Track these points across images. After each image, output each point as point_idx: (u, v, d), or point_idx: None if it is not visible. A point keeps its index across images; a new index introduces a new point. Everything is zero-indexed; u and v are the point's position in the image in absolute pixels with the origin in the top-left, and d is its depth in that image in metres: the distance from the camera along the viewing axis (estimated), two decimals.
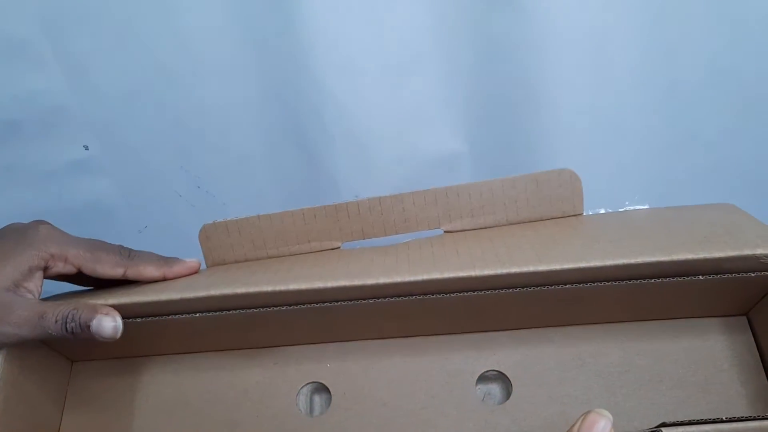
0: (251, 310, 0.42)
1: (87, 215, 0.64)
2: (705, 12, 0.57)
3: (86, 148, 0.61)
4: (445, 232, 0.49)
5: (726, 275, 0.41)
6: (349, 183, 0.62)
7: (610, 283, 0.41)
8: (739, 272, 0.40)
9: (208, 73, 0.58)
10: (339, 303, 0.42)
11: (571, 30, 0.56)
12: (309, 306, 0.42)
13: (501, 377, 0.45)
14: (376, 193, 0.48)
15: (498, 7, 0.56)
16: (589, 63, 0.58)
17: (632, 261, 0.40)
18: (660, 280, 0.41)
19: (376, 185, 0.62)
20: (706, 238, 0.41)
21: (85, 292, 0.47)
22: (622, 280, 0.41)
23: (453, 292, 0.42)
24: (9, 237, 0.43)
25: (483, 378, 0.45)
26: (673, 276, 0.41)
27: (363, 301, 0.42)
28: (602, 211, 0.50)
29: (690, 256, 0.40)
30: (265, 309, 0.42)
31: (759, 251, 0.39)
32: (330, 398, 0.46)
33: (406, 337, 0.47)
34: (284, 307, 0.42)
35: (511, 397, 0.44)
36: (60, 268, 0.43)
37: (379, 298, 0.42)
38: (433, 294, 0.42)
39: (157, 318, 0.43)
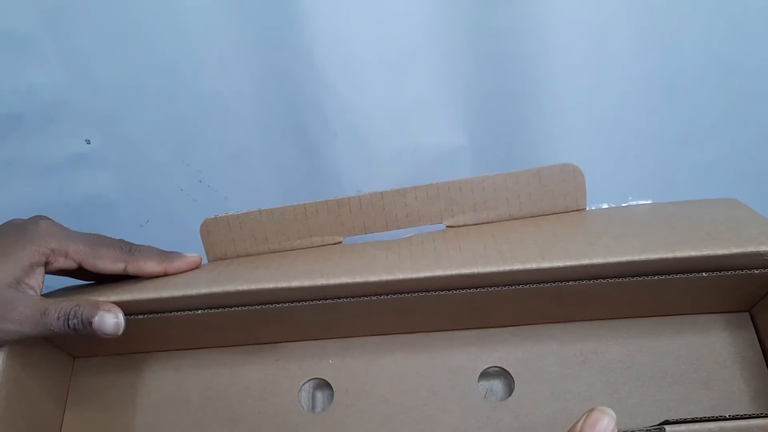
0: (253, 307, 0.42)
1: (88, 209, 0.64)
2: (706, 6, 0.56)
3: (88, 142, 0.61)
4: (447, 227, 0.49)
5: (729, 272, 0.40)
6: (350, 177, 0.62)
7: (612, 280, 0.41)
8: (742, 269, 0.40)
9: (209, 68, 0.58)
10: (341, 300, 0.42)
11: (572, 24, 0.56)
12: (311, 303, 0.42)
13: (503, 373, 0.45)
14: (378, 186, 0.47)
15: (499, 1, 0.55)
16: (590, 57, 0.58)
17: (635, 258, 0.39)
18: (663, 277, 0.40)
19: (377, 179, 0.62)
20: (709, 235, 0.41)
21: (86, 287, 0.47)
22: (625, 277, 0.41)
23: (455, 289, 0.41)
24: (9, 233, 0.43)
25: (485, 374, 0.45)
26: (676, 273, 0.40)
27: (365, 298, 0.42)
28: (605, 206, 0.49)
29: (693, 253, 0.39)
30: (267, 306, 0.42)
31: (763, 248, 0.39)
32: (332, 394, 0.46)
33: (408, 333, 0.46)
34: (286, 304, 0.42)
35: (513, 393, 0.44)
36: (61, 263, 0.43)
37: (381, 294, 0.42)
38: (435, 291, 0.42)
39: (158, 315, 0.43)
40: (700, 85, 0.60)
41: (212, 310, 0.43)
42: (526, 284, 0.41)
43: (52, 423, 0.46)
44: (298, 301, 0.42)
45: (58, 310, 0.40)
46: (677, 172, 0.63)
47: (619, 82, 0.59)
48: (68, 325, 0.40)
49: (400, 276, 0.41)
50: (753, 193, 0.49)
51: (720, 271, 0.40)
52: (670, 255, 0.39)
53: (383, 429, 0.44)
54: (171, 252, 0.47)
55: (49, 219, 0.44)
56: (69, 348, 0.47)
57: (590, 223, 0.46)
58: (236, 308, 0.43)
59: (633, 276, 0.41)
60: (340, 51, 0.57)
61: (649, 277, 0.41)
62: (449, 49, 0.58)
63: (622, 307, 0.44)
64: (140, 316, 0.43)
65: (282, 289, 0.41)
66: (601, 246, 0.41)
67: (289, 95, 0.59)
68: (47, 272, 0.43)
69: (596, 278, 0.41)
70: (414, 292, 0.42)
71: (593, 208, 0.49)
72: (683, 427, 0.36)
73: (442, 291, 0.42)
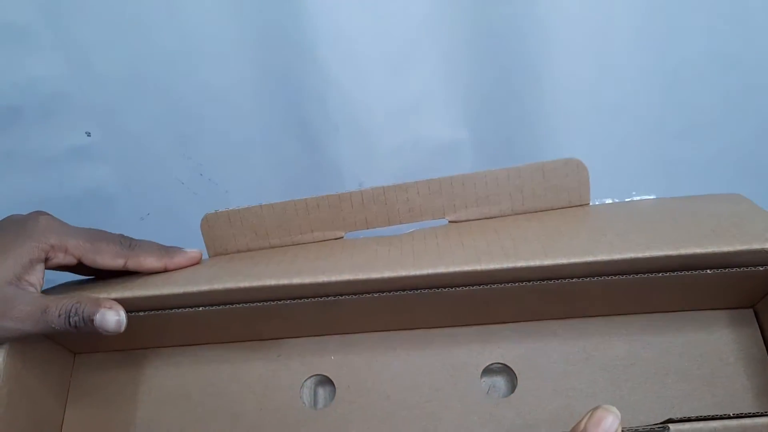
0: (255, 304, 0.42)
1: (88, 202, 0.63)
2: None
3: (88, 134, 0.60)
4: (449, 222, 0.48)
5: (734, 269, 0.40)
6: (352, 171, 0.62)
7: (616, 277, 0.40)
8: (747, 266, 0.40)
9: (210, 60, 0.57)
10: (343, 297, 0.42)
11: (573, 18, 0.56)
12: (313, 299, 0.42)
13: (506, 370, 0.45)
14: (379, 181, 0.47)
15: None
16: (592, 50, 0.57)
17: (639, 255, 0.39)
18: (667, 274, 0.40)
19: (379, 173, 0.62)
20: (713, 231, 0.41)
21: (86, 282, 0.46)
22: (629, 274, 0.40)
23: (458, 286, 0.41)
24: (8, 229, 0.43)
25: (488, 371, 0.45)
26: (681, 270, 0.40)
27: (367, 295, 0.42)
28: (608, 200, 0.49)
29: (698, 250, 0.39)
30: (268, 303, 0.42)
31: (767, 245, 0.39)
32: (334, 391, 0.45)
33: (411, 329, 0.46)
34: (288, 301, 0.42)
35: (516, 390, 0.44)
36: (60, 259, 0.43)
37: (383, 291, 0.42)
38: (437, 288, 0.41)
39: (159, 311, 0.43)
40: (702, 79, 0.59)
41: (213, 307, 0.42)
42: (529, 281, 0.41)
43: (54, 419, 0.45)
44: (300, 298, 0.42)
45: (59, 308, 0.40)
46: (681, 167, 0.63)
47: (621, 76, 0.59)
48: (69, 322, 0.40)
49: (403, 273, 0.40)
50: (757, 187, 0.49)
51: (724, 268, 0.40)
52: (674, 252, 0.39)
53: (385, 425, 0.44)
54: (171, 247, 0.47)
55: (48, 214, 0.44)
56: (70, 344, 0.47)
57: (594, 218, 0.46)
58: (237, 305, 0.42)
59: (637, 273, 0.40)
60: (342, 45, 0.56)
61: (653, 275, 0.40)
62: (451, 43, 0.57)
63: (626, 303, 0.44)
64: (141, 313, 0.42)
65: (284, 286, 0.41)
66: (604, 243, 0.41)
67: (290, 89, 0.59)
68: (47, 268, 0.43)
69: (600, 275, 0.40)
70: (416, 289, 0.42)
71: (596, 203, 0.48)
72: (687, 425, 0.36)
73: (444, 288, 0.41)
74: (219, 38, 0.56)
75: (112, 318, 0.40)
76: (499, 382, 0.45)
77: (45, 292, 0.43)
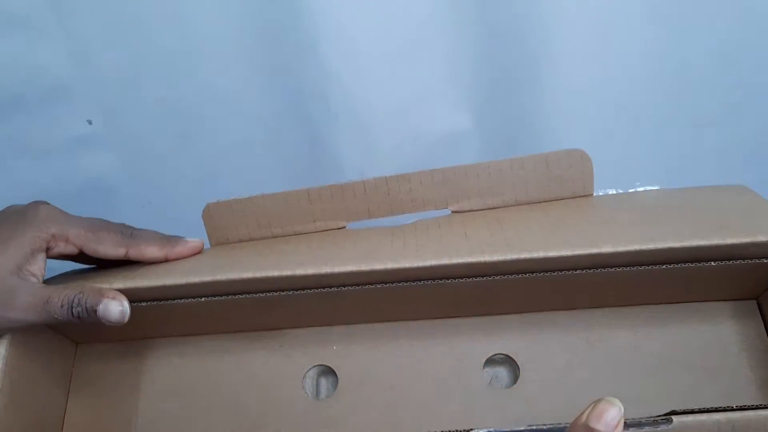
0: (257, 295, 0.42)
1: (89, 191, 0.63)
2: None
3: (89, 122, 0.60)
4: (452, 212, 0.48)
5: (738, 261, 0.40)
6: (353, 162, 0.62)
7: (620, 269, 0.40)
8: (751, 258, 0.40)
9: (211, 51, 0.57)
10: (346, 287, 0.42)
11: (579, 7, 0.55)
12: (316, 290, 0.42)
13: (508, 361, 0.45)
14: (382, 172, 0.47)
15: None
16: (597, 41, 0.57)
17: (644, 247, 0.39)
18: (671, 266, 0.40)
19: (380, 164, 0.61)
20: (718, 224, 0.40)
21: (87, 272, 0.46)
22: (633, 265, 0.40)
23: (461, 278, 0.41)
24: (9, 219, 0.42)
25: (490, 361, 0.45)
26: (685, 262, 0.40)
27: (370, 286, 0.42)
28: (612, 191, 0.49)
29: (703, 242, 0.39)
30: (271, 293, 0.42)
31: None
32: (336, 381, 0.45)
33: (413, 320, 0.46)
34: (290, 292, 0.42)
35: (519, 380, 0.44)
36: (61, 248, 0.43)
37: (386, 282, 0.41)
38: (441, 279, 0.41)
39: (162, 302, 0.42)
40: (707, 70, 0.59)
41: (216, 298, 0.42)
42: (532, 273, 0.41)
43: (56, 409, 0.45)
44: (303, 289, 0.42)
45: (61, 298, 0.40)
46: (685, 158, 0.63)
47: (626, 67, 0.58)
48: (72, 313, 0.40)
49: (406, 264, 0.40)
50: (761, 178, 0.49)
51: (729, 260, 0.40)
52: (678, 244, 0.39)
53: (387, 416, 0.44)
54: (173, 236, 0.46)
55: (48, 204, 0.44)
56: (72, 334, 0.47)
57: (598, 210, 0.45)
58: (240, 296, 0.42)
59: (641, 265, 0.40)
60: (343, 36, 0.56)
61: (657, 266, 0.40)
62: (453, 34, 0.57)
63: (629, 294, 0.44)
64: (143, 303, 0.42)
65: (286, 277, 0.41)
66: (609, 234, 0.40)
67: (291, 80, 0.58)
68: (48, 257, 0.43)
69: (604, 267, 0.40)
70: (419, 281, 0.41)
71: (600, 193, 0.48)
72: (690, 417, 0.36)
73: (447, 279, 0.41)
74: (220, 29, 0.56)
75: (116, 308, 0.40)
76: (502, 372, 0.45)
77: (46, 281, 0.43)
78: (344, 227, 0.48)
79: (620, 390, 0.43)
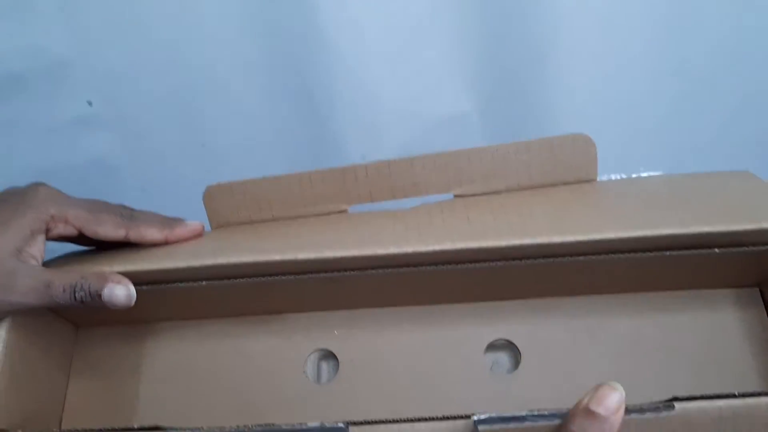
0: (258, 279, 0.42)
1: (90, 171, 0.63)
2: None
3: (90, 103, 0.59)
4: (455, 196, 0.48)
5: (742, 248, 0.40)
6: (356, 144, 0.61)
7: (623, 255, 0.40)
8: (755, 244, 0.40)
9: (214, 31, 0.57)
10: (348, 272, 0.42)
11: None
12: (317, 275, 0.42)
13: (510, 346, 0.45)
14: (384, 154, 0.47)
15: None
16: (602, 25, 0.57)
17: (648, 233, 0.39)
18: (675, 252, 0.40)
19: (383, 146, 0.61)
20: (722, 210, 0.40)
21: (87, 254, 0.46)
22: (637, 251, 0.40)
23: (464, 263, 0.41)
24: (8, 201, 0.42)
25: (492, 347, 0.45)
26: (689, 248, 0.40)
27: (372, 271, 0.41)
28: (615, 176, 0.49)
29: (706, 228, 0.39)
30: (273, 277, 0.42)
31: None
32: (337, 365, 0.45)
33: (415, 305, 0.46)
34: (292, 276, 0.42)
35: (520, 366, 0.44)
36: (61, 229, 0.42)
37: (388, 267, 0.41)
38: (443, 264, 0.41)
39: (162, 285, 0.42)
40: (710, 56, 0.59)
41: (217, 281, 0.42)
42: (535, 258, 0.40)
43: (57, 392, 0.45)
44: (304, 273, 0.42)
45: (63, 283, 0.39)
46: (689, 143, 0.62)
47: (630, 51, 0.58)
48: (75, 297, 0.39)
49: (408, 249, 0.40)
50: (765, 164, 0.49)
51: (732, 246, 0.40)
52: (682, 231, 0.39)
53: (388, 400, 0.44)
54: (173, 218, 0.46)
55: (47, 185, 0.43)
56: (73, 317, 0.47)
57: (602, 195, 0.45)
58: (241, 279, 0.42)
59: (645, 251, 0.40)
60: (347, 16, 0.55)
61: (660, 253, 0.40)
62: (458, 18, 0.57)
63: (632, 281, 0.44)
64: (144, 287, 0.42)
65: (288, 262, 0.41)
66: (613, 220, 0.40)
67: (294, 61, 0.58)
68: (47, 239, 0.42)
69: (607, 253, 0.40)
70: (421, 265, 0.41)
71: (604, 178, 0.48)
72: (692, 403, 0.36)
73: (449, 264, 0.41)
74: (223, 9, 0.56)
75: (122, 293, 0.40)
76: (503, 358, 0.45)
77: (46, 264, 0.43)
78: (346, 211, 0.48)
79: (622, 376, 0.43)
